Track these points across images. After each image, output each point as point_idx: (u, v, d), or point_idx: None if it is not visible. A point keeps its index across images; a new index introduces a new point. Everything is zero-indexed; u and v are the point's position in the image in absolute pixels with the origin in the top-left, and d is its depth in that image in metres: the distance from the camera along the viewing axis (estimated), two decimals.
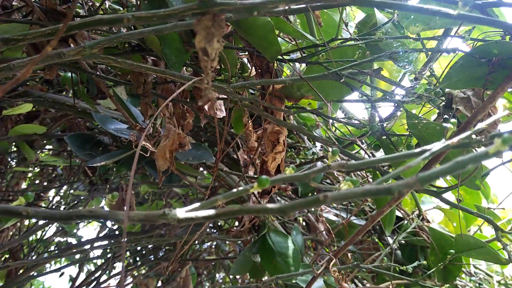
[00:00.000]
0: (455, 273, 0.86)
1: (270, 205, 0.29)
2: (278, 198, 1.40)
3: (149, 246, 1.86)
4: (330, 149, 0.67)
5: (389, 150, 0.73)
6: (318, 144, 1.22)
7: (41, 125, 1.55)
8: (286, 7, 0.33)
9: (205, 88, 0.34)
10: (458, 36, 0.58)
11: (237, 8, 0.34)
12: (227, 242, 2.12)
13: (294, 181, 0.35)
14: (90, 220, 1.47)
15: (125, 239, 0.33)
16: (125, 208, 1.29)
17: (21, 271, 1.52)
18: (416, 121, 0.54)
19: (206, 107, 0.70)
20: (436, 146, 0.28)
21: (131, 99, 1.27)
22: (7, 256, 1.68)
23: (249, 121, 0.73)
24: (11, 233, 1.76)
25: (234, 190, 0.34)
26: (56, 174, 1.98)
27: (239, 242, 1.18)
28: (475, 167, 0.58)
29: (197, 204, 0.34)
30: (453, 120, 0.35)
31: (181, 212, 0.33)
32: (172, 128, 0.85)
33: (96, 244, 1.43)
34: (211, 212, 0.31)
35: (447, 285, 0.78)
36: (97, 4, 0.86)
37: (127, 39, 0.48)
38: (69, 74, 1.14)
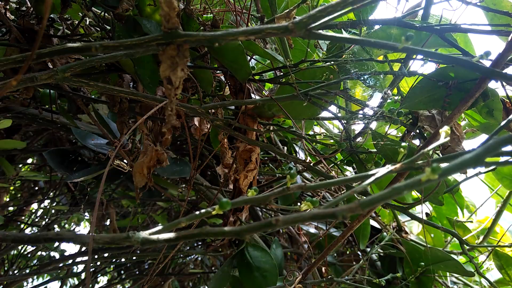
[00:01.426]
0: (429, 285, 0.88)
1: (227, 228, 0.30)
2: (264, 210, 1.41)
3: (134, 258, 1.85)
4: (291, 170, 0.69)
5: (359, 166, 0.76)
6: (301, 155, 1.25)
7: (23, 138, 1.54)
8: (245, 38, 0.35)
9: (169, 115, 0.36)
10: (420, 59, 0.61)
11: (199, 39, 0.36)
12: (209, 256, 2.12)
13: (255, 203, 0.36)
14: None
15: (90, 260, 0.34)
16: (102, 224, 1.28)
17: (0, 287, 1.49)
18: (379, 140, 0.57)
19: (196, 122, 0.72)
20: (380, 171, 0.30)
21: (112, 114, 1.27)
22: None
23: (225, 139, 0.75)
24: None
25: (197, 212, 0.36)
26: (38, 187, 1.97)
27: (220, 256, 1.19)
28: (437, 183, 0.60)
29: (159, 227, 0.35)
30: (403, 144, 0.37)
31: (144, 235, 0.34)
32: (150, 145, 0.86)
33: (77, 260, 1.42)
34: (171, 235, 0.33)
35: None
36: (76, 22, 0.87)
37: (100, 62, 0.49)
38: (48, 90, 1.15)
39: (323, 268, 0.80)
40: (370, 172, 0.32)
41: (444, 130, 0.32)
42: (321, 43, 0.75)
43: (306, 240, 1.39)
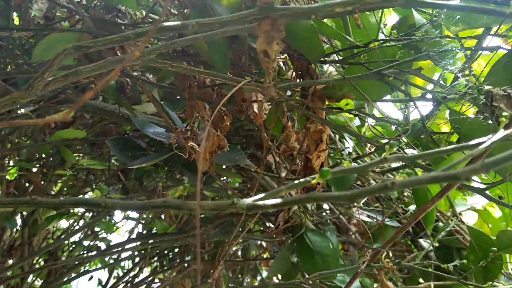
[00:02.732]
0: (496, 273, 0.86)
1: (337, 193, 0.31)
2: None
3: (176, 250, 1.90)
4: (370, 147, 0.68)
5: (427, 149, 0.74)
6: (349, 145, 1.24)
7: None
8: (342, 10, 0.35)
9: (267, 87, 0.37)
10: (498, 35, 0.59)
11: (295, 13, 0.37)
12: (254, 245, 2.14)
13: (354, 173, 0.37)
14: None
15: (199, 228, 0.35)
16: (158, 211, 1.33)
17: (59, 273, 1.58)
18: (460, 117, 0.55)
19: (255, 109, 0.73)
20: (496, 136, 0.29)
21: (167, 103, 1.31)
22: (47, 258, 1.75)
23: (288, 122, 0.75)
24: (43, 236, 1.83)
25: (296, 181, 0.37)
26: (87, 180, 2.05)
27: (275, 243, 1.20)
28: None
29: (261, 195, 0.37)
30: (505, 113, 0.36)
31: (249, 201, 0.36)
32: (211, 130, 0.88)
33: (131, 245, 1.48)
34: (278, 200, 0.34)
35: (490, 283, 0.78)
36: (137, 14, 0.91)
37: (181, 45, 0.51)
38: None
39: (390, 253, 0.79)
40: (476, 141, 0.31)
41: None
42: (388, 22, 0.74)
43: (361, 229, 1.38)
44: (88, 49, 0.45)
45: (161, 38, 0.77)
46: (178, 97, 1.34)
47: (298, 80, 0.69)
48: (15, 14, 1.12)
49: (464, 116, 0.56)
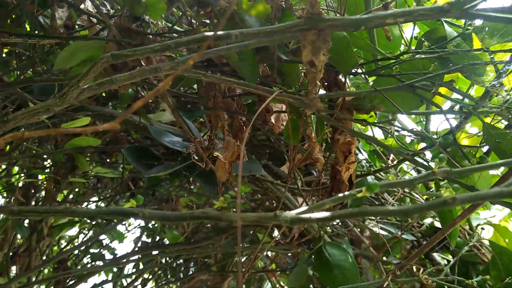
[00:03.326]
0: None
1: (391, 208, 0.30)
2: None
3: (179, 261, 1.87)
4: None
5: (451, 164, 0.73)
6: (363, 157, 1.23)
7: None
8: (393, 21, 0.35)
9: (313, 98, 0.36)
10: None
11: (343, 24, 0.36)
12: (264, 257, 2.12)
13: (400, 187, 0.36)
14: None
15: (240, 239, 0.34)
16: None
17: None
18: (499, 132, 0.55)
19: (273, 120, 0.72)
20: None
21: (182, 112, 1.31)
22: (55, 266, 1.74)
23: (312, 133, 0.75)
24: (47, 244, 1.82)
25: (341, 194, 0.36)
26: (95, 188, 2.04)
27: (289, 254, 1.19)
28: None
29: (304, 208, 0.36)
30: None
31: (293, 214, 0.35)
32: (231, 140, 0.88)
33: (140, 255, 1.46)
34: (326, 214, 0.33)
35: None
36: (159, 24, 0.91)
37: (215, 54, 0.51)
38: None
39: (413, 267, 0.78)
40: None
41: None
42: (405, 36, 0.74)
43: (373, 243, 1.36)
44: (127, 58, 0.45)
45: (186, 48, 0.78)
46: (189, 105, 1.34)
47: (324, 92, 0.68)
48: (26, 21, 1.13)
49: (507, 131, 0.55)
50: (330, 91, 0.69)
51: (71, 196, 1.92)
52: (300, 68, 0.86)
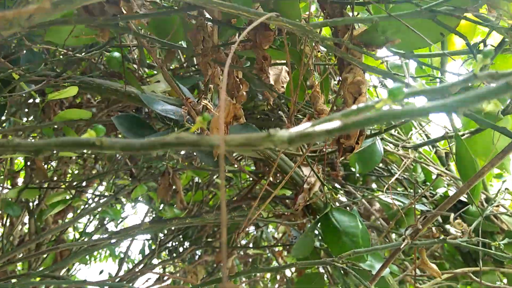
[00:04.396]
0: None
1: (429, 104, 0.22)
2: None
3: (186, 244, 1.82)
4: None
5: None
6: None
7: None
8: None
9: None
10: None
11: None
12: (270, 232, 2.06)
13: (433, 94, 0.28)
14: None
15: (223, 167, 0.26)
16: (168, 194, 1.21)
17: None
18: None
19: (272, 81, 0.64)
20: None
21: (177, 78, 1.24)
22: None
23: (316, 82, 0.66)
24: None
25: (354, 106, 0.28)
26: (96, 169, 1.98)
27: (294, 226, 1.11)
28: None
29: (308, 124, 0.27)
30: None
31: (291, 132, 0.26)
32: (226, 98, 0.80)
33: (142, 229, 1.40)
34: (335, 124, 0.24)
35: None
36: None
37: None
38: (115, 54, 1.11)
39: (433, 228, 0.70)
40: None
41: None
42: None
43: (382, 214, 1.29)
44: None
45: None
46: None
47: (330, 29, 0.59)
48: None
49: None
50: (336, 28, 0.60)
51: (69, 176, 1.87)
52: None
